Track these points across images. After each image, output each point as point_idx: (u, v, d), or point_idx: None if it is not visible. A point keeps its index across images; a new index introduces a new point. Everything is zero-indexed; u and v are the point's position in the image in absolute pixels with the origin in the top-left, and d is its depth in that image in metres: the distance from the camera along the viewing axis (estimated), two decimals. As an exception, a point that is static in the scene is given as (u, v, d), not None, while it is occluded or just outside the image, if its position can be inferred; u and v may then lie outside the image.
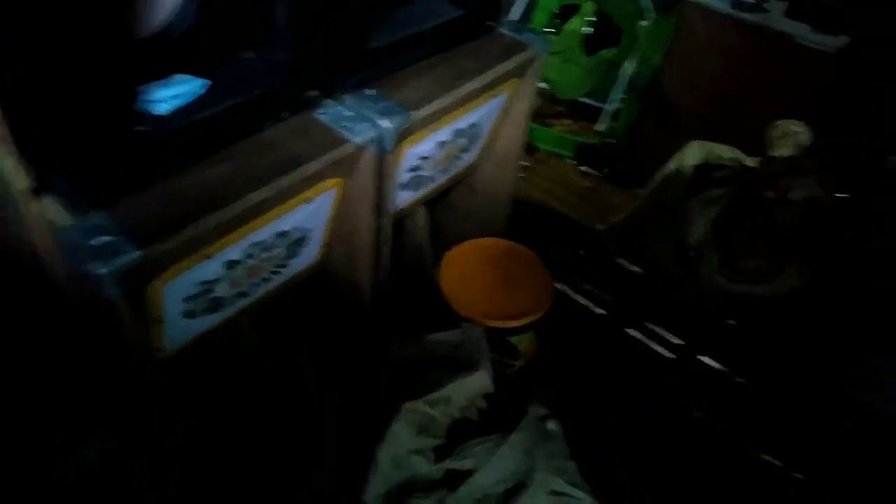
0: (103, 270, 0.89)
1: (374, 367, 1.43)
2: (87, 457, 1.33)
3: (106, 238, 0.93)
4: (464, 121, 1.58)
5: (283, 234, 1.24)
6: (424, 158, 1.55)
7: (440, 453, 1.30)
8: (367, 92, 1.35)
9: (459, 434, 1.34)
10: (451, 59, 1.51)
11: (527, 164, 2.64)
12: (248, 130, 1.20)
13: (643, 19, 2.45)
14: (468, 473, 1.30)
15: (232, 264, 1.16)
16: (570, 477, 1.35)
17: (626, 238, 2.24)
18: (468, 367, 1.39)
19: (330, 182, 1.26)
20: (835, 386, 1.93)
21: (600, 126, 2.69)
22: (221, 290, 1.18)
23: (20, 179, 0.95)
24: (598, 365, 1.97)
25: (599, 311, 2.13)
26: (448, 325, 1.54)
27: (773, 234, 1.93)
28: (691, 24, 2.39)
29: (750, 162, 2.01)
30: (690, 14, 2.38)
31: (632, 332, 2.06)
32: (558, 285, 1.79)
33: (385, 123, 1.27)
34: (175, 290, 1.07)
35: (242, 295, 1.26)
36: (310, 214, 1.28)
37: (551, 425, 1.40)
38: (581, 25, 2.63)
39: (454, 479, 1.31)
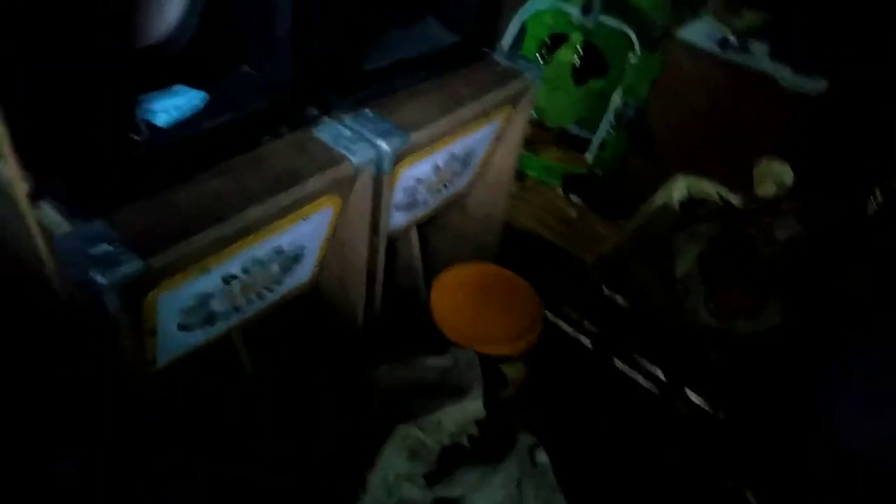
0: (103, 280, 0.87)
1: (363, 389, 1.41)
2: (66, 466, 1.30)
3: (106, 247, 0.91)
4: (459, 145, 1.60)
5: (279, 251, 1.23)
6: (419, 181, 1.55)
7: (430, 479, 1.28)
8: (367, 112, 1.35)
9: (450, 460, 1.32)
10: (448, 83, 1.53)
11: (515, 190, 2.66)
12: (247, 145, 1.19)
13: (630, 53, 2.51)
14: (457, 501, 1.29)
15: (229, 278, 1.14)
16: (558, 508, 1.34)
17: (613, 269, 2.26)
18: (460, 392, 1.38)
19: (327, 200, 1.26)
20: (813, 422, 1.95)
21: (588, 156, 2.73)
22: (217, 304, 1.17)
23: (19, 184, 0.93)
24: (585, 395, 1.98)
25: (586, 341, 2.14)
26: (438, 349, 1.53)
27: (756, 271, 1.97)
28: (677, 61, 2.46)
29: (734, 198, 2.06)
30: (676, 51, 2.45)
31: (618, 363, 2.07)
32: (546, 313, 1.80)
33: (384, 144, 1.28)
34: (172, 302, 1.05)
35: (237, 310, 1.25)
36: (306, 232, 1.27)
37: (540, 456, 1.39)
38: (570, 56, 2.68)
39: (444, 506, 1.29)
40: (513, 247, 2.12)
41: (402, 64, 1.44)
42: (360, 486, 1.26)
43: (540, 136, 2.94)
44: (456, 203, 1.89)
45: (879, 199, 2.16)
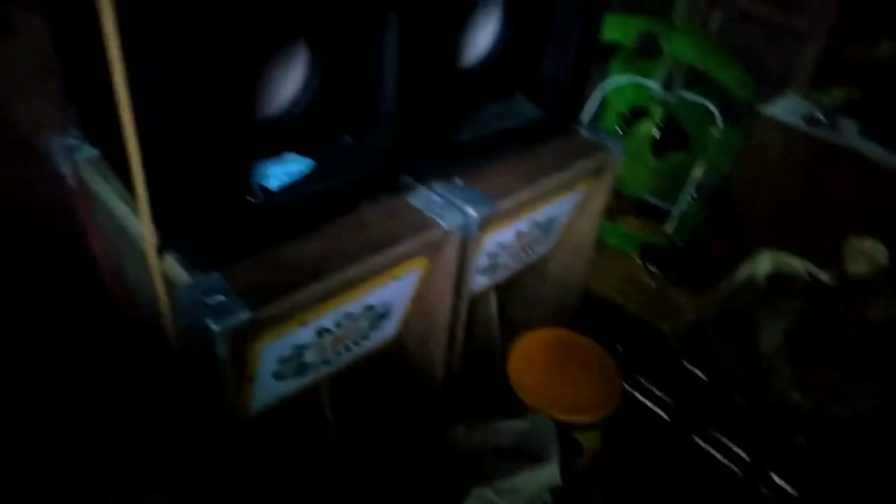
0: (216, 327, 0.96)
1: (441, 448, 1.44)
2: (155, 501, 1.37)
3: (220, 297, 1.00)
4: (542, 213, 1.65)
5: (370, 308, 1.30)
6: (502, 246, 1.61)
7: (503, 544, 1.28)
8: (456, 181, 1.43)
9: (523, 526, 1.32)
10: (534, 155, 1.59)
11: (593, 258, 2.67)
12: (347, 208, 1.29)
13: (712, 127, 2.52)
14: (530, 569, 1.28)
15: (323, 332, 1.22)
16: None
17: (693, 341, 2.21)
18: (536, 457, 1.38)
19: (417, 262, 1.33)
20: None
21: (667, 227, 2.72)
22: (310, 356, 1.24)
23: (150, 238, 1.05)
24: (662, 470, 1.91)
25: (663, 413, 2.08)
26: (514, 413, 1.54)
27: (849, 351, 1.89)
28: (763, 136, 2.45)
29: (823, 276, 2.00)
30: (762, 126, 2.44)
31: (698, 440, 2.00)
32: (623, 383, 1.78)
33: (472, 211, 1.34)
34: (271, 352, 1.13)
35: (326, 362, 1.32)
36: (395, 291, 1.34)
37: (614, 528, 1.36)
38: (650, 128, 2.72)
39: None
40: (589, 313, 2.13)
41: (490, 137, 1.53)
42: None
43: (617, 204, 2.95)
44: (536, 268, 1.92)
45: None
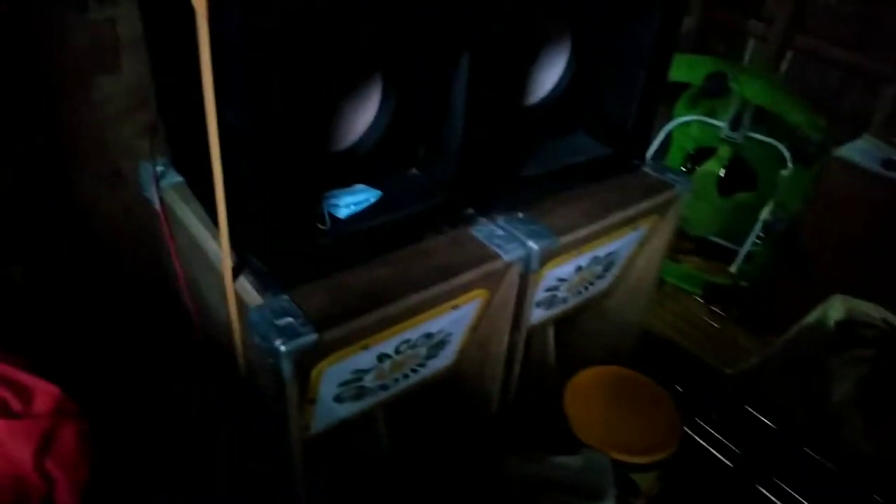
0: (283, 348, 1.00)
1: (495, 481, 1.44)
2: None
3: (289, 320, 1.04)
4: (603, 249, 1.65)
5: (429, 336, 1.33)
6: (562, 280, 1.61)
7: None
8: (519, 214, 1.45)
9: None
10: (597, 191, 1.60)
11: (653, 296, 2.63)
12: (412, 238, 1.33)
13: (782, 168, 2.47)
14: None
15: (383, 357, 1.25)
16: None
17: (756, 385, 2.14)
18: (590, 496, 1.37)
19: (477, 292, 1.35)
20: None
21: (733, 267, 2.66)
22: (369, 381, 1.27)
23: (227, 260, 1.11)
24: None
25: (724, 459, 2.01)
26: (569, 449, 1.53)
27: (926, 402, 1.80)
28: (836, 179, 2.38)
29: (898, 323, 1.91)
30: (836, 169, 2.38)
31: (761, 488, 1.92)
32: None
33: (533, 245, 1.36)
34: (333, 375, 1.16)
35: (383, 388, 1.34)
36: (455, 320, 1.36)
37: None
38: (717, 168, 2.68)
39: None
40: (648, 353, 2.09)
41: (554, 172, 1.55)
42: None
43: (680, 243, 2.91)
44: (595, 304, 1.91)
45: None
